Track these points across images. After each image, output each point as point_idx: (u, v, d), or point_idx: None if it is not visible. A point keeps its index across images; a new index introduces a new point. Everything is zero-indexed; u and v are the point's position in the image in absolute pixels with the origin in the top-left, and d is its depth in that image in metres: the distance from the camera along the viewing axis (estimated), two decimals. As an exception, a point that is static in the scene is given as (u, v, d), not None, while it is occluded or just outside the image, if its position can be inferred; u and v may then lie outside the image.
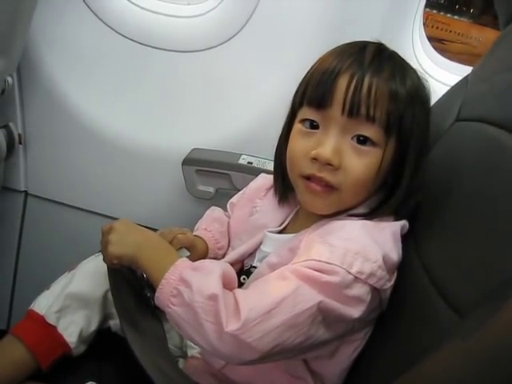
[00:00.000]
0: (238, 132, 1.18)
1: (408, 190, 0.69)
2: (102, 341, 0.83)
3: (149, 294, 0.72)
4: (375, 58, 0.68)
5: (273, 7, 1.12)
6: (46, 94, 1.23)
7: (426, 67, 1.24)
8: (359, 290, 0.61)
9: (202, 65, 1.19)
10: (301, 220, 0.75)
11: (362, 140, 0.66)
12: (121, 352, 0.68)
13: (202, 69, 1.19)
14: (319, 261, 0.61)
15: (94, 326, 0.82)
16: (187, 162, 1.17)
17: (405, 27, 1.19)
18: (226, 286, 0.63)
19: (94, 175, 1.28)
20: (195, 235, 0.87)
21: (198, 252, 0.85)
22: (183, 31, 1.21)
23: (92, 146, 1.25)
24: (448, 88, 0.90)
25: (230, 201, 0.94)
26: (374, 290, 0.63)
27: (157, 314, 0.73)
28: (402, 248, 0.67)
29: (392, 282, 0.65)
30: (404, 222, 0.69)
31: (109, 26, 1.19)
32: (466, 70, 1.01)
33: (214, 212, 0.95)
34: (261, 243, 0.79)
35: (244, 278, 0.78)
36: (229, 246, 0.89)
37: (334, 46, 0.73)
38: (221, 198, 1.13)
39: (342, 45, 0.72)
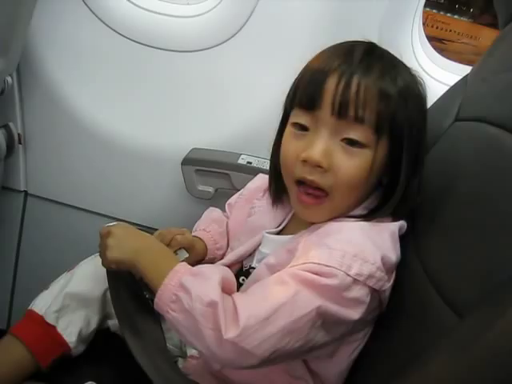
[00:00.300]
0: (238, 132, 1.18)
1: (406, 190, 0.68)
2: (101, 341, 0.83)
3: (147, 296, 0.72)
4: (364, 58, 0.67)
5: (272, 7, 1.12)
6: (46, 93, 1.23)
7: (426, 67, 1.24)
8: (358, 292, 0.61)
9: (202, 65, 1.19)
10: (299, 221, 0.75)
11: (352, 142, 0.66)
12: (120, 352, 0.68)
13: (201, 69, 1.19)
14: (318, 264, 0.61)
15: (93, 326, 0.82)
16: (187, 161, 1.17)
17: (404, 27, 1.18)
18: (226, 290, 0.63)
19: (94, 175, 1.28)
20: (194, 236, 0.87)
21: (197, 253, 0.85)
22: (183, 31, 1.21)
23: (91, 146, 1.25)
24: (447, 88, 0.89)
25: (228, 201, 0.94)
26: (373, 291, 0.63)
27: (155, 314, 0.73)
28: (402, 248, 0.67)
29: (391, 283, 0.65)
30: (402, 223, 0.69)
31: (108, 26, 1.19)
32: (465, 69, 1.01)
33: (213, 213, 0.95)
34: (259, 244, 0.79)
35: (243, 279, 0.78)
36: (228, 246, 0.89)
37: (333, 46, 0.73)
38: (220, 198, 1.13)
39: (332, 46, 0.71)
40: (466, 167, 0.66)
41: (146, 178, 1.26)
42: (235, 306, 0.60)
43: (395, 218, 0.69)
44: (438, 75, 1.23)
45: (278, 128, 0.76)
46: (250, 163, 1.12)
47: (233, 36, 1.15)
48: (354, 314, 0.61)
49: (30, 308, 0.80)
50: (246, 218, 0.85)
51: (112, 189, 1.28)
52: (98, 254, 0.75)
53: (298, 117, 0.69)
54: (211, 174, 1.16)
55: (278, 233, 0.79)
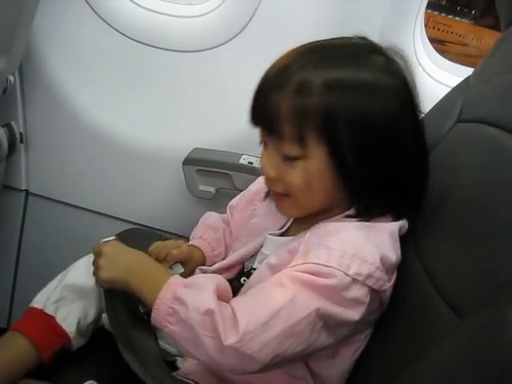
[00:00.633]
0: (239, 132, 1.18)
1: (383, 191, 0.66)
2: (101, 339, 0.83)
3: (142, 310, 0.72)
4: (280, 75, 0.67)
5: (274, 8, 1.13)
6: (48, 93, 1.23)
7: (428, 68, 1.24)
8: (358, 292, 0.61)
9: (204, 65, 1.19)
10: (300, 223, 0.75)
11: (286, 157, 0.67)
12: (120, 351, 0.69)
13: (203, 69, 1.19)
14: (317, 264, 0.61)
15: (91, 318, 0.82)
16: (188, 161, 1.17)
17: (406, 28, 1.19)
18: (221, 298, 0.63)
19: (95, 174, 1.29)
20: (191, 245, 0.88)
21: (196, 262, 0.85)
22: (184, 31, 1.21)
23: (93, 145, 1.26)
24: (449, 89, 0.90)
25: (230, 203, 0.94)
26: (373, 292, 0.63)
27: (151, 328, 0.73)
28: (402, 248, 0.67)
29: (391, 283, 0.65)
30: (402, 223, 0.69)
31: (110, 26, 1.20)
32: (467, 71, 1.01)
33: (208, 218, 0.95)
34: (262, 246, 0.79)
35: (244, 280, 0.78)
36: (225, 252, 0.89)
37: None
38: (221, 198, 1.13)
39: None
40: (467, 168, 0.67)
41: (147, 177, 1.26)
42: (234, 313, 0.60)
43: (395, 218, 0.69)
44: (440, 76, 1.23)
45: None
46: (252, 163, 1.12)
47: (235, 36, 1.15)
48: (355, 314, 0.61)
49: (29, 306, 0.81)
50: (247, 220, 0.86)
51: (113, 188, 1.29)
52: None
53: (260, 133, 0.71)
54: (212, 174, 1.16)
55: (282, 234, 0.79)
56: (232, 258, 0.83)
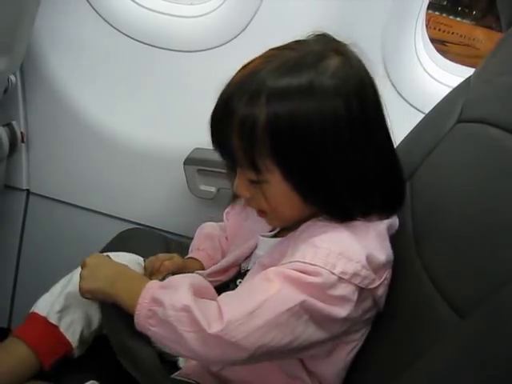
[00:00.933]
0: (240, 132, 1.18)
1: (353, 194, 0.66)
2: (103, 340, 0.83)
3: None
4: (225, 107, 0.67)
5: (275, 8, 1.13)
6: (49, 92, 1.23)
7: (429, 68, 1.24)
8: (344, 290, 0.62)
9: (205, 64, 1.19)
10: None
11: (250, 181, 0.68)
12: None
13: (204, 68, 1.19)
14: (303, 262, 0.62)
15: (94, 326, 0.82)
16: (189, 161, 1.17)
17: (407, 29, 1.19)
18: (202, 295, 0.64)
19: (96, 174, 1.29)
20: (190, 257, 0.89)
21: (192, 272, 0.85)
22: (186, 31, 1.21)
23: (94, 145, 1.26)
24: (450, 89, 0.90)
25: (226, 210, 0.96)
26: (362, 290, 0.63)
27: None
28: (402, 248, 0.68)
29: (381, 281, 0.65)
30: (391, 221, 0.69)
31: (112, 26, 1.20)
32: (467, 71, 1.01)
33: (204, 229, 0.95)
34: (256, 247, 0.80)
35: (240, 281, 0.79)
36: (223, 258, 0.89)
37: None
38: (222, 198, 1.13)
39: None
40: (467, 168, 0.67)
41: (148, 177, 1.26)
42: (219, 306, 0.61)
43: (381, 216, 0.69)
44: (441, 77, 1.23)
45: None
46: (252, 163, 1.12)
47: (236, 36, 1.15)
48: (341, 311, 0.62)
49: (32, 311, 0.80)
50: (242, 222, 0.87)
51: (114, 188, 1.29)
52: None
53: None
54: (213, 174, 1.16)
55: (274, 235, 0.79)
56: (226, 260, 0.83)
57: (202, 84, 1.20)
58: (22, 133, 1.25)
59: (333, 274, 0.61)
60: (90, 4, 1.19)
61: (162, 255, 0.83)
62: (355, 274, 0.62)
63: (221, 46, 1.17)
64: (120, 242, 0.97)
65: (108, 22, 1.20)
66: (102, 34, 1.20)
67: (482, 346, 0.48)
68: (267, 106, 0.63)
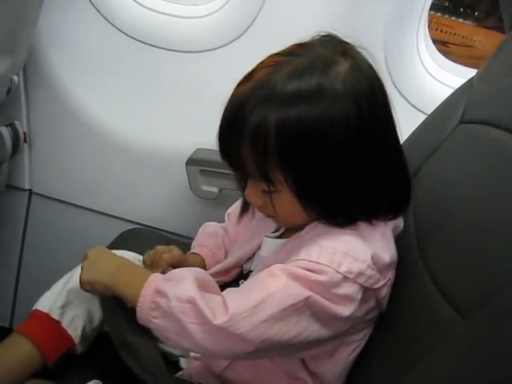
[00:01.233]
0: (242, 132, 1.18)
1: (359, 200, 0.66)
2: (105, 338, 0.83)
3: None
4: (235, 117, 0.66)
5: (277, 9, 1.13)
6: (52, 93, 1.24)
7: (430, 69, 1.24)
8: (349, 289, 0.62)
9: (208, 65, 1.19)
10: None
11: (263, 191, 0.69)
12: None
13: (207, 69, 1.19)
14: (309, 260, 0.62)
15: (96, 322, 0.82)
16: (191, 162, 1.17)
17: (409, 30, 1.19)
18: (206, 289, 0.64)
19: (98, 174, 1.29)
20: (192, 253, 0.89)
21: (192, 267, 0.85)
22: (188, 32, 1.21)
23: (96, 145, 1.26)
24: (452, 90, 0.90)
25: (228, 212, 0.95)
26: (366, 290, 0.64)
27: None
28: (404, 249, 0.68)
29: (385, 282, 0.65)
30: (395, 222, 0.70)
31: (115, 26, 1.20)
32: (470, 72, 1.01)
33: (207, 228, 0.95)
34: (259, 248, 0.80)
35: (242, 282, 0.79)
36: (225, 258, 0.89)
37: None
38: (224, 199, 1.13)
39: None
40: (469, 169, 0.67)
41: (151, 177, 1.26)
42: (224, 299, 0.62)
43: (387, 218, 0.69)
44: (443, 78, 1.23)
45: None
46: (254, 164, 1.12)
47: (239, 37, 1.15)
48: (345, 310, 0.62)
49: (34, 308, 0.81)
50: (245, 223, 0.86)
51: (116, 188, 1.29)
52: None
53: None
54: (215, 175, 1.16)
55: (279, 237, 0.79)
56: (229, 260, 0.83)
57: (204, 84, 1.21)
58: (24, 133, 1.25)
59: (338, 272, 0.61)
60: (93, 4, 1.19)
61: (160, 247, 0.82)
62: (360, 274, 0.62)
63: (224, 46, 1.17)
64: (121, 242, 0.96)
65: (110, 23, 1.20)
66: (105, 34, 1.20)
67: (483, 346, 0.48)
68: (278, 114, 0.62)
